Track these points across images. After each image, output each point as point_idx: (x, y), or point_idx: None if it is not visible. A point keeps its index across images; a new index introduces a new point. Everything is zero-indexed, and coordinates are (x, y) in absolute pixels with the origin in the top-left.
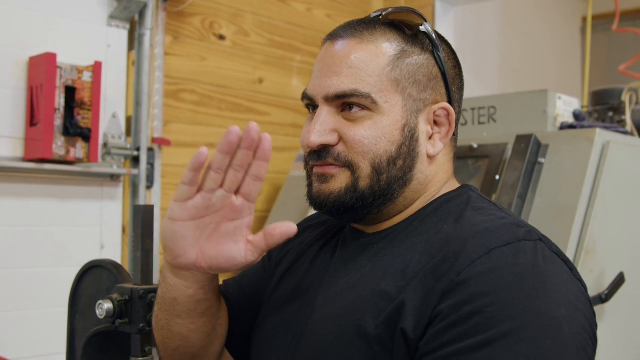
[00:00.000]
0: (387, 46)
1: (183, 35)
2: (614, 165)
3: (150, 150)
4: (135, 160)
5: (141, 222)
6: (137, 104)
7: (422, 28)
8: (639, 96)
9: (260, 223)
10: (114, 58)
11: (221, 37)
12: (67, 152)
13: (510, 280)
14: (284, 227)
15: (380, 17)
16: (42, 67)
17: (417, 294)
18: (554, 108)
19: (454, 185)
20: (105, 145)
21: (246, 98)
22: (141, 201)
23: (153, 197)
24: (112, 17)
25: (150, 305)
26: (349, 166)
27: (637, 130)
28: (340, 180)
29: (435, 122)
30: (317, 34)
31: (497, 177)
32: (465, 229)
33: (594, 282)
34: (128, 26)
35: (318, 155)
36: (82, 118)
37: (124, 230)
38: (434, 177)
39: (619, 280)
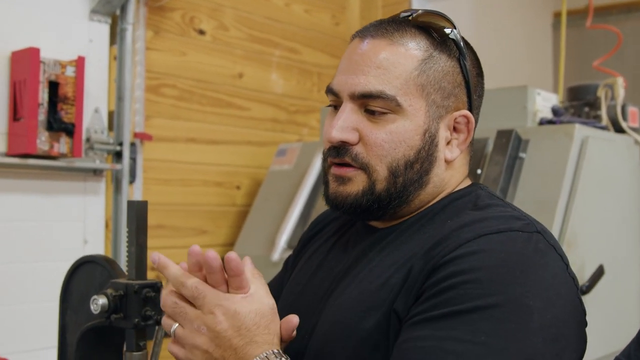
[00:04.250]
0: (416, 50)
1: (163, 30)
2: (592, 159)
3: (132, 145)
4: (118, 155)
5: (135, 217)
6: (119, 98)
7: (450, 34)
8: (614, 92)
9: (241, 217)
10: (96, 53)
11: (201, 32)
12: (51, 147)
13: (491, 263)
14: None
15: (410, 18)
16: (25, 61)
17: (408, 275)
18: (534, 104)
19: (465, 184)
20: (87, 140)
21: (226, 93)
22: (124, 196)
23: (135, 192)
24: (93, 11)
25: (145, 300)
26: (365, 169)
27: (612, 125)
28: (357, 183)
29: (455, 129)
30: (295, 29)
31: (479, 171)
32: (462, 220)
33: (575, 274)
34: (109, 21)
35: (337, 151)
36: (66, 113)
37: (106, 225)
38: (450, 179)
39: (599, 273)
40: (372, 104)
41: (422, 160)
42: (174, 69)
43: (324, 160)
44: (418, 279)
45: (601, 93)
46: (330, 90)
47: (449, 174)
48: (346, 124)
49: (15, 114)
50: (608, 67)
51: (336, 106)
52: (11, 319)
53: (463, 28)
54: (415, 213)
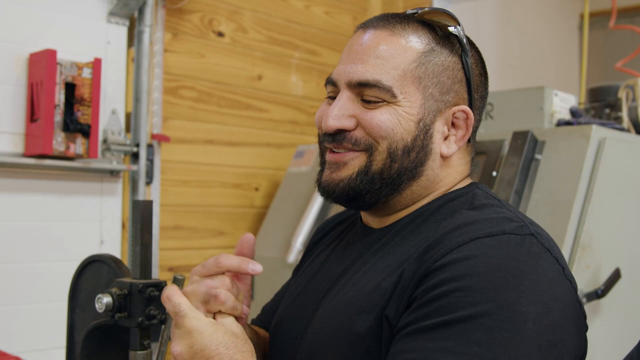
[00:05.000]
0: (417, 42)
1: (182, 32)
2: (610, 161)
3: (149, 146)
4: (135, 156)
5: (140, 217)
6: (137, 100)
7: (453, 30)
8: (635, 93)
9: (260, 219)
10: (114, 55)
11: (220, 34)
12: (67, 148)
13: (482, 269)
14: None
15: (415, 14)
16: (42, 63)
17: (400, 279)
18: (551, 105)
19: (464, 185)
20: (104, 141)
21: (245, 95)
22: (141, 197)
23: (152, 193)
24: (111, 13)
25: (149, 300)
26: (369, 149)
27: (633, 126)
28: (353, 166)
29: (453, 124)
30: (315, 31)
31: (494, 173)
32: (455, 221)
33: (590, 277)
34: (127, 23)
35: (333, 138)
36: (82, 114)
37: (123, 226)
38: (445, 177)
39: (615, 276)
40: (367, 93)
41: (418, 150)
42: (193, 70)
43: (321, 143)
44: (409, 285)
45: (622, 94)
46: (329, 81)
47: (445, 172)
48: (342, 112)
49: (32, 115)
50: (632, 69)
51: (334, 98)
52: (27, 318)
53: (487, 30)
54: (409, 212)
